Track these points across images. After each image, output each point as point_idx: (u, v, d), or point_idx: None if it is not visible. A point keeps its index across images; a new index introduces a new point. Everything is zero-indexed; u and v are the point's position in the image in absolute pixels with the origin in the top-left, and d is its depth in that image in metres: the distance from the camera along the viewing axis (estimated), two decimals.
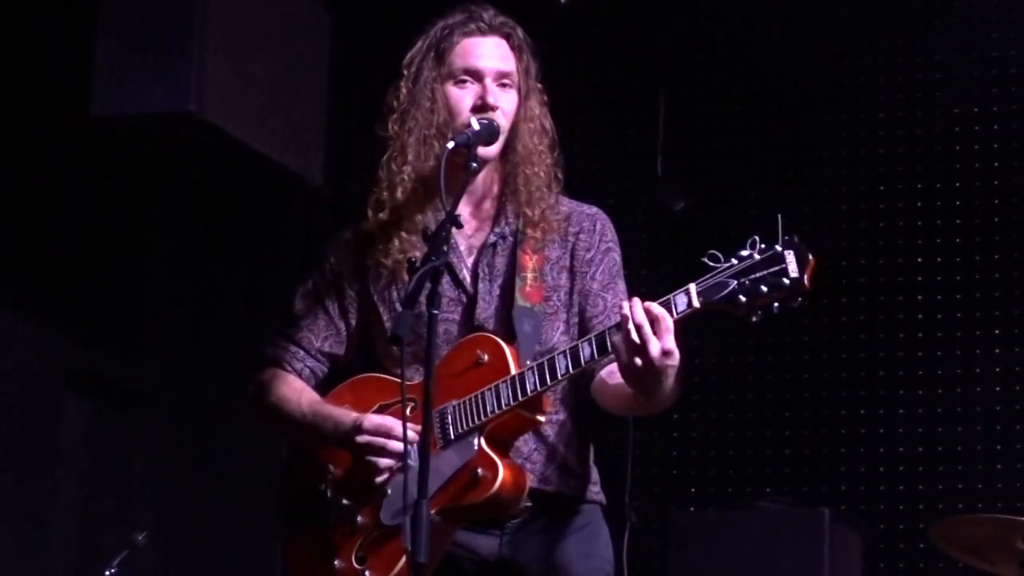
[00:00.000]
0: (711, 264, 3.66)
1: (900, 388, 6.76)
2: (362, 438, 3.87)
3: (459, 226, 3.74)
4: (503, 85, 4.02)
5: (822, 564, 6.07)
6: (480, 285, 4.01)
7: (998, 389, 6.66)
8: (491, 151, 3.99)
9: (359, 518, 3.95)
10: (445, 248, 3.67)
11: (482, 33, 4.04)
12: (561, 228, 4.06)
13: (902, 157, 6.92)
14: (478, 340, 3.91)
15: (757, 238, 3.64)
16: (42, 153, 6.71)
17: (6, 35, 6.55)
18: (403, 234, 4.00)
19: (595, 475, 4.11)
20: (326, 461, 4.03)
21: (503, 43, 4.05)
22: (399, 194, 4.01)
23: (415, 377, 3.89)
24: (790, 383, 6.90)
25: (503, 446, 3.87)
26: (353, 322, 4.13)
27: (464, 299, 4.00)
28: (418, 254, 3.88)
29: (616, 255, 4.11)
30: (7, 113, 6.53)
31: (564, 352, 3.79)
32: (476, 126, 3.92)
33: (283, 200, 7.41)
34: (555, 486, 3.99)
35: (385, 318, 4.05)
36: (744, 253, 3.65)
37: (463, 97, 4.00)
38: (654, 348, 3.62)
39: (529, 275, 3.98)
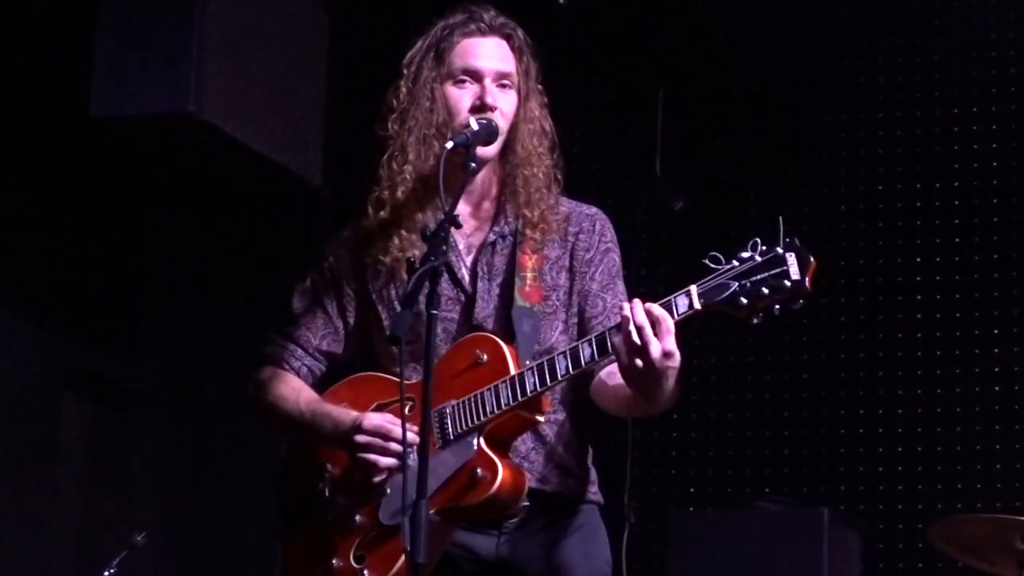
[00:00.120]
0: (712, 266, 3.66)
1: (899, 388, 6.77)
2: (362, 437, 3.87)
3: (458, 226, 3.74)
4: (502, 86, 4.03)
5: (821, 564, 6.07)
6: (479, 284, 4.01)
7: (997, 389, 6.66)
8: (489, 151, 3.99)
9: (357, 517, 3.95)
10: (444, 248, 3.67)
11: (482, 33, 4.05)
12: (561, 228, 4.06)
13: (901, 157, 6.92)
14: (477, 340, 3.91)
15: (758, 240, 3.64)
16: (42, 153, 6.71)
17: (6, 35, 6.55)
18: (403, 232, 4.00)
19: (593, 475, 4.11)
20: (324, 460, 4.03)
21: (503, 44, 4.05)
22: (399, 193, 4.01)
23: (413, 376, 3.90)
24: (789, 383, 6.90)
25: (502, 446, 3.87)
26: (351, 321, 4.13)
27: (463, 298, 4.01)
28: (417, 252, 3.89)
29: (615, 256, 4.11)
30: (7, 113, 6.53)
31: (564, 353, 3.79)
32: (474, 126, 3.92)
33: (282, 200, 7.41)
34: (553, 486, 3.98)
35: (384, 316, 4.05)
36: (745, 255, 3.65)
37: (462, 97, 4.01)
38: (655, 349, 3.62)
39: (528, 275, 3.98)
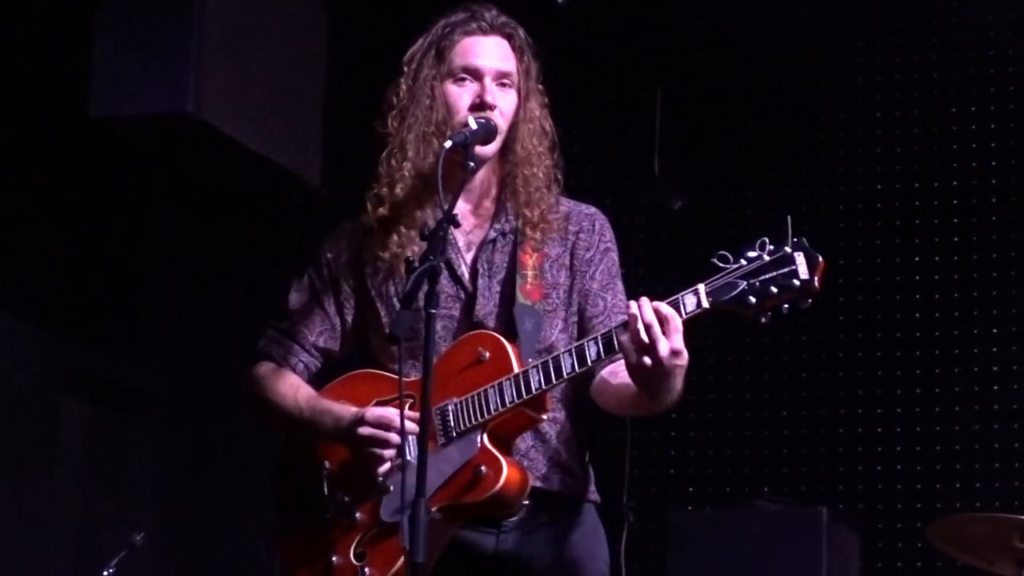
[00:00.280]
0: (720, 264, 3.66)
1: (898, 387, 6.77)
2: (365, 430, 3.87)
3: (456, 225, 3.74)
4: (502, 85, 4.03)
5: (820, 563, 6.08)
6: (479, 281, 4.01)
7: (996, 388, 6.67)
8: (488, 150, 3.99)
9: (357, 514, 3.94)
10: (442, 247, 3.67)
11: (483, 32, 4.05)
12: (561, 227, 4.06)
13: (900, 157, 6.92)
14: (479, 337, 3.91)
15: (766, 239, 3.65)
16: (41, 154, 6.72)
17: (5, 35, 6.56)
18: (402, 229, 4.00)
19: (591, 474, 4.11)
20: (321, 457, 4.02)
21: (504, 43, 4.05)
22: (398, 190, 4.01)
23: (412, 374, 3.90)
24: (787, 383, 6.91)
25: (505, 444, 3.87)
26: (349, 318, 4.12)
27: (463, 296, 4.01)
28: (416, 250, 3.89)
29: (615, 255, 4.11)
30: (6, 113, 6.53)
31: (570, 351, 3.79)
32: (473, 125, 3.92)
33: (281, 200, 7.42)
34: (553, 484, 3.98)
35: (382, 313, 4.04)
36: (752, 254, 3.65)
37: (461, 95, 4.01)
38: (663, 348, 3.63)
39: (529, 273, 3.98)
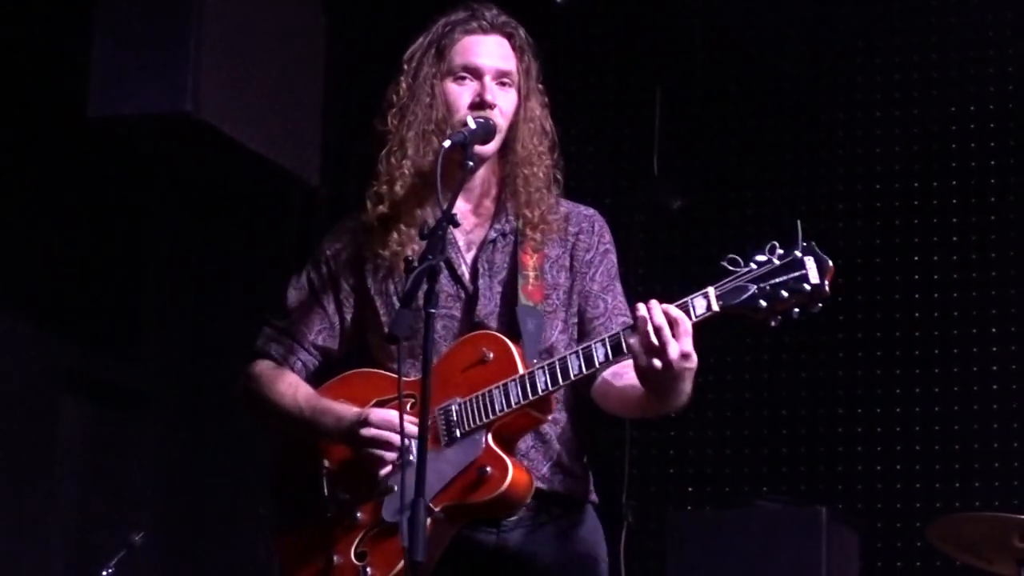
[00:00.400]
0: (730, 268, 3.66)
1: (897, 387, 6.77)
2: (368, 431, 3.86)
3: (456, 224, 3.74)
4: (502, 84, 4.02)
5: (820, 563, 6.08)
6: (480, 281, 4.01)
7: (995, 388, 6.67)
8: (488, 149, 3.98)
9: (359, 514, 3.93)
10: (442, 246, 3.66)
11: (484, 31, 4.04)
12: (560, 228, 4.06)
13: (900, 157, 6.92)
14: (482, 337, 3.91)
15: (776, 243, 3.65)
16: (40, 153, 6.71)
17: (5, 35, 6.56)
18: (401, 227, 3.99)
19: (590, 474, 4.11)
20: (321, 456, 4.01)
21: (504, 42, 4.05)
22: (398, 188, 4.01)
23: (411, 373, 3.89)
24: (787, 382, 6.91)
25: (509, 445, 3.87)
26: (348, 317, 4.11)
27: (463, 295, 4.00)
28: (415, 248, 3.88)
29: (614, 256, 4.12)
30: (6, 113, 6.53)
31: (577, 353, 3.78)
32: (472, 124, 3.91)
33: (280, 200, 7.42)
34: (553, 484, 3.98)
35: (382, 312, 4.04)
36: (762, 258, 3.66)
37: (461, 94, 4.00)
38: (673, 351, 3.63)
39: (530, 273, 3.98)
